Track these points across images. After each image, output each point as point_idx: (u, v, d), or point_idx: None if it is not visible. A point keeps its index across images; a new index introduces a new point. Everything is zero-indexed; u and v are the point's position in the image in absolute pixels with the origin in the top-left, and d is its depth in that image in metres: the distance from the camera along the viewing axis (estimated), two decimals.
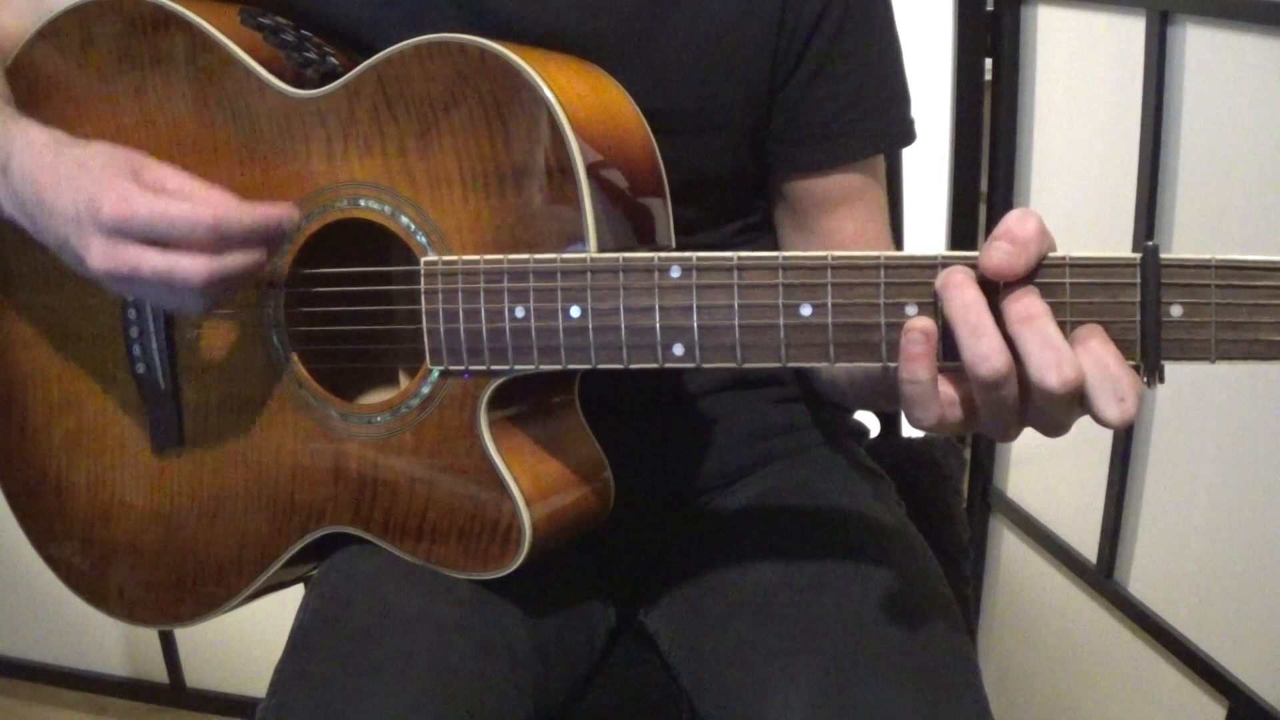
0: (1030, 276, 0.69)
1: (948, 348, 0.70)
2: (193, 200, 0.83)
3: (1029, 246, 0.68)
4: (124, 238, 0.82)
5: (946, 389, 0.71)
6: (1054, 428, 0.71)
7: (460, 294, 0.83)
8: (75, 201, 0.83)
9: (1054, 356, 0.67)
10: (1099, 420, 0.68)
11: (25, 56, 1.00)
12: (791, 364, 0.76)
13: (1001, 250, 0.68)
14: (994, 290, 0.70)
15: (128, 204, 0.81)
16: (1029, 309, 0.68)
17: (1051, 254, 0.69)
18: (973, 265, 0.70)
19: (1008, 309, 0.68)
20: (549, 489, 0.89)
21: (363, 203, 0.89)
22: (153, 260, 0.82)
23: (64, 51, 0.98)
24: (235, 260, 0.83)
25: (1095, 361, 0.67)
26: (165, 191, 0.84)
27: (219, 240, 0.82)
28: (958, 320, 0.68)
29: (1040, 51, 1.64)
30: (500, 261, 0.82)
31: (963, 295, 0.69)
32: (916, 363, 0.70)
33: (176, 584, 1.02)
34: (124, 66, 0.96)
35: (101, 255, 0.82)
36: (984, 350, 0.68)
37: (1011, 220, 0.69)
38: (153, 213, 0.81)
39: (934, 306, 0.71)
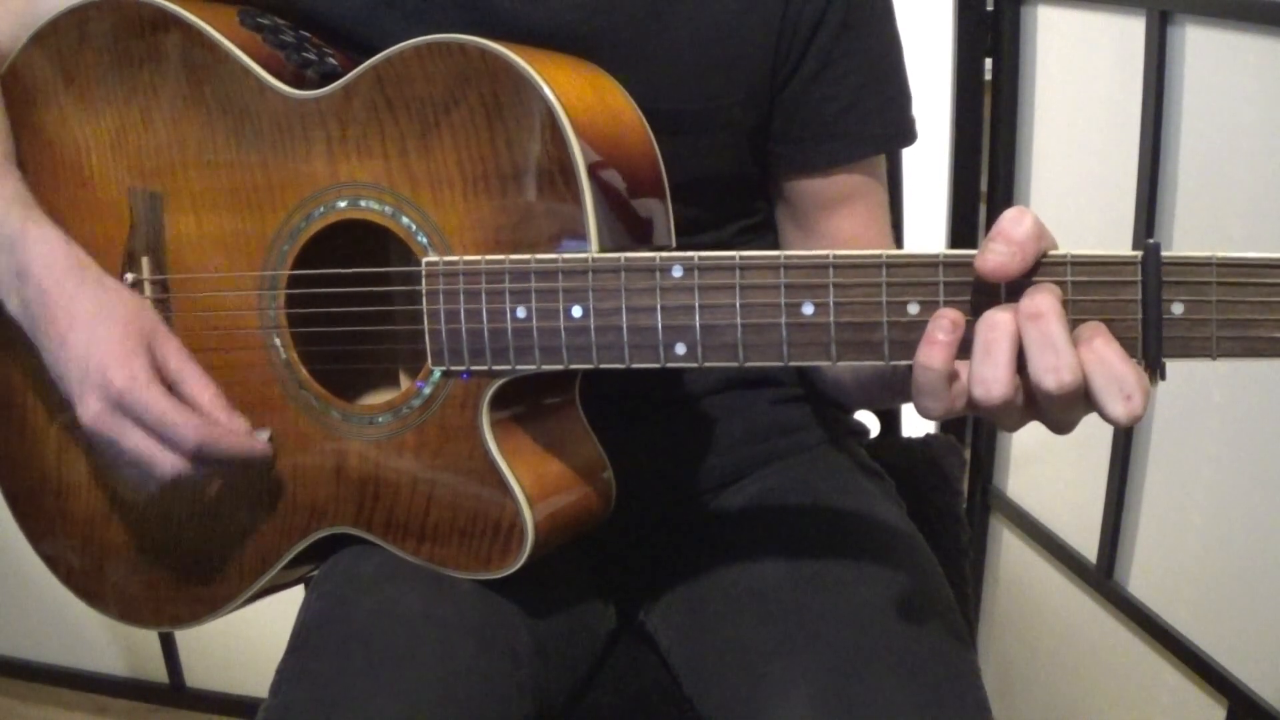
0: (1029, 275, 0.69)
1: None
2: (185, 412, 0.89)
3: (1025, 247, 0.68)
4: (121, 413, 0.88)
5: (959, 380, 0.71)
6: (1060, 425, 0.71)
7: (461, 294, 0.83)
8: (87, 358, 0.89)
9: (1053, 360, 0.67)
10: (1106, 419, 0.68)
11: (23, 60, 1.00)
12: (793, 363, 0.76)
13: (996, 252, 0.68)
14: (996, 289, 0.70)
15: (136, 393, 0.87)
16: (1038, 305, 0.68)
17: (1053, 252, 0.69)
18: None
19: (1021, 302, 0.68)
20: (550, 489, 0.89)
21: (363, 203, 0.89)
22: (138, 442, 0.88)
23: (63, 54, 0.98)
24: (205, 469, 0.90)
25: (1099, 360, 0.67)
26: (167, 372, 0.90)
27: (196, 456, 0.88)
28: (978, 333, 0.69)
29: (1040, 51, 1.64)
30: (501, 262, 0.82)
31: (993, 314, 0.69)
32: (936, 349, 0.70)
33: (177, 585, 1.02)
34: (123, 68, 0.96)
35: (94, 415, 0.88)
36: (987, 372, 0.68)
37: (1006, 221, 0.69)
38: (153, 411, 0.87)
39: (936, 305, 0.71)
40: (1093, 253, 0.69)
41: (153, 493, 1.00)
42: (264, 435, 0.94)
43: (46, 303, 0.91)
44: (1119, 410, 0.67)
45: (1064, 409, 0.69)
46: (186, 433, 0.87)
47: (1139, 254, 0.68)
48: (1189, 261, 0.67)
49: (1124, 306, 0.68)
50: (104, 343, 0.89)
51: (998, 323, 0.68)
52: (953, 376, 0.71)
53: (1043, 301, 0.68)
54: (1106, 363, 0.67)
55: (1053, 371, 0.67)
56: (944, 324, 0.70)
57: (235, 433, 0.90)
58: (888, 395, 1.11)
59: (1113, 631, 1.58)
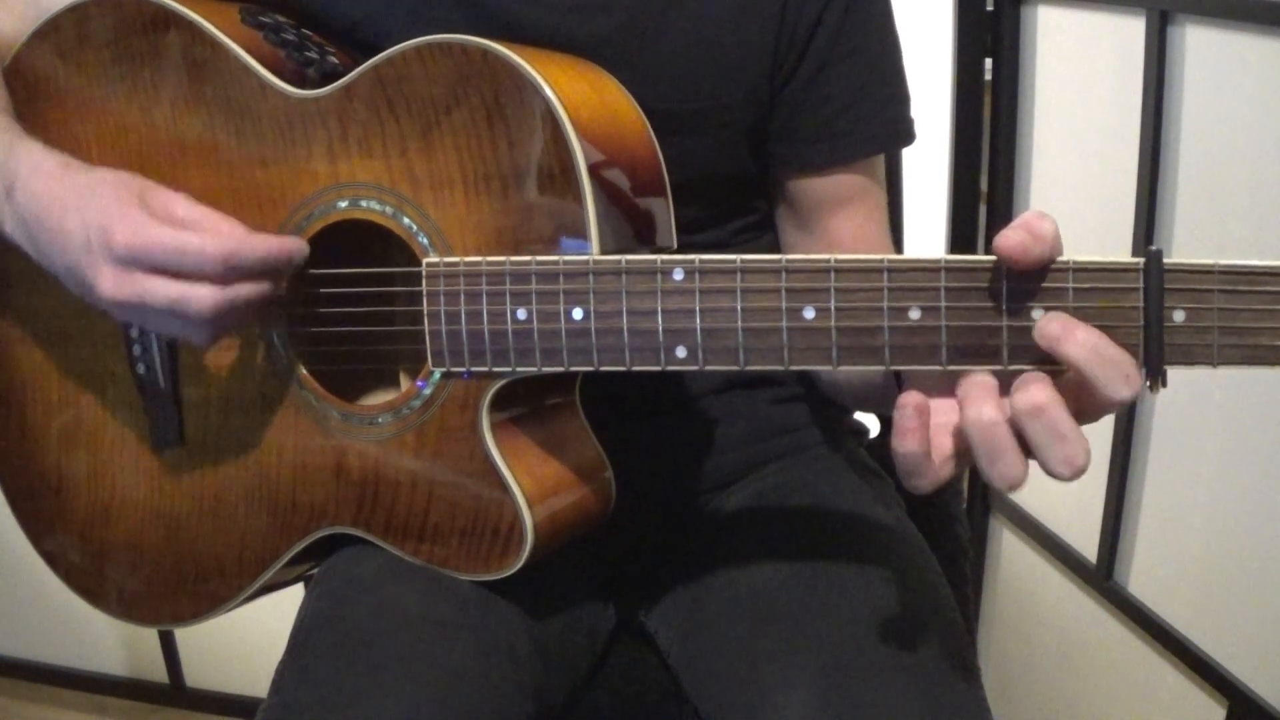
0: (1039, 277, 0.69)
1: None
2: (204, 232, 0.83)
3: (1043, 242, 0.68)
4: (135, 266, 0.82)
5: (938, 450, 0.71)
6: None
7: (462, 295, 0.83)
8: (85, 229, 0.84)
9: (1063, 450, 0.67)
10: (1112, 402, 0.67)
11: (24, 56, 0.99)
12: (794, 367, 0.76)
13: (1018, 235, 0.67)
14: (999, 278, 0.70)
15: (141, 234, 0.82)
16: (1035, 399, 0.67)
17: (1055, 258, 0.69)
18: (977, 268, 0.70)
19: (1015, 398, 0.67)
20: (550, 490, 0.89)
21: (364, 203, 0.89)
22: (164, 289, 0.82)
23: (63, 51, 0.98)
24: (244, 291, 0.84)
25: (1091, 349, 0.67)
26: (175, 220, 0.84)
27: (229, 272, 0.83)
28: (975, 440, 0.68)
29: (1040, 51, 1.64)
30: (502, 263, 0.82)
31: (980, 413, 0.68)
32: (908, 437, 0.70)
33: (176, 584, 1.02)
34: (124, 66, 0.96)
35: (112, 283, 0.83)
36: (1001, 471, 0.68)
37: (1031, 214, 0.69)
38: (165, 243, 0.82)
39: (937, 310, 0.71)
40: (1094, 259, 0.69)
41: (172, 482, 0.99)
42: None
43: (38, 202, 0.87)
44: (1124, 391, 0.67)
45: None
46: (210, 250, 0.82)
47: (1141, 261, 0.68)
48: (1191, 269, 0.67)
49: (1125, 314, 0.68)
50: (98, 210, 0.84)
51: (991, 424, 0.68)
52: (930, 455, 0.71)
53: (1039, 393, 0.67)
54: (1098, 350, 0.67)
55: (1067, 462, 0.67)
56: (909, 413, 0.70)
57: (260, 236, 0.85)
58: (885, 406, 1.11)
59: (1113, 631, 1.58)
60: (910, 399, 0.70)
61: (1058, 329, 0.67)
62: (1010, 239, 0.68)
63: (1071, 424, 0.67)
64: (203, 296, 0.83)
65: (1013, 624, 1.88)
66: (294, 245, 0.87)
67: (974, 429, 0.68)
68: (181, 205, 0.86)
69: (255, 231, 0.86)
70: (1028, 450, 0.68)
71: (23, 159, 0.89)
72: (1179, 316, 0.67)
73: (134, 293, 0.83)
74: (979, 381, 0.69)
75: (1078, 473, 0.67)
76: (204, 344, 0.88)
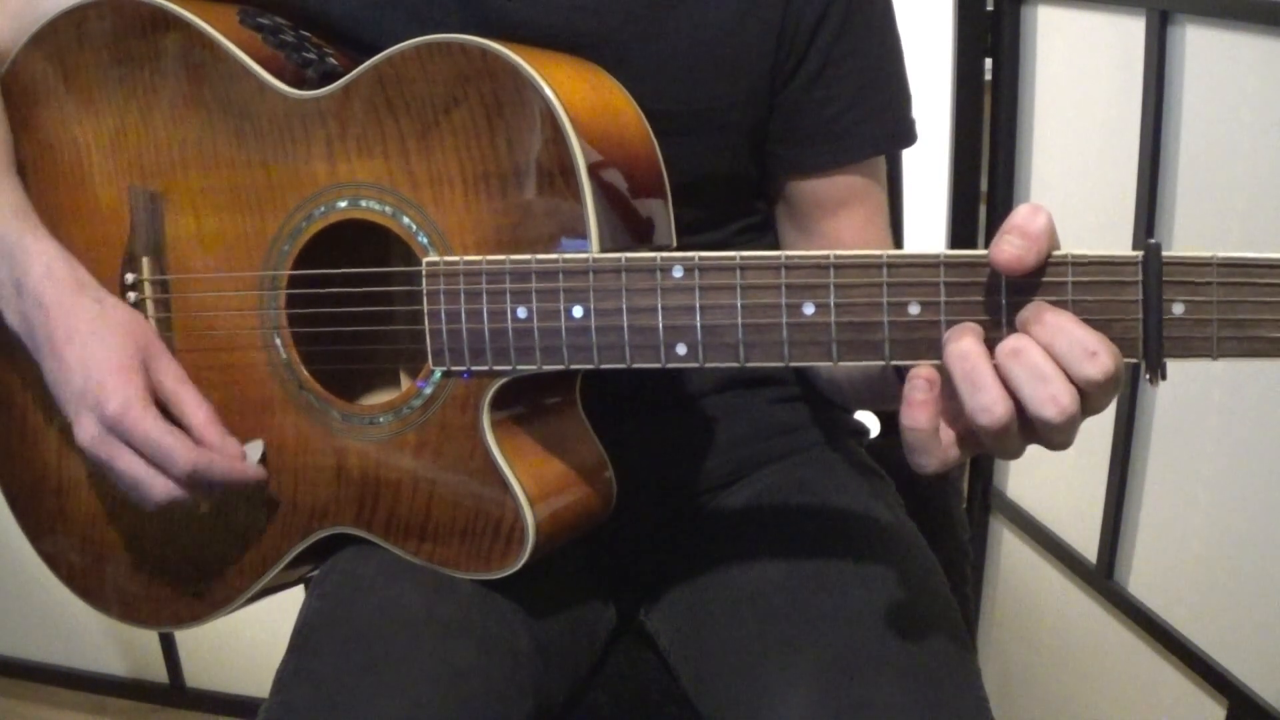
0: (1038, 271, 0.69)
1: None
2: (181, 436, 0.90)
3: (1039, 241, 0.68)
4: (114, 436, 0.89)
5: (946, 432, 0.72)
6: (1057, 445, 0.71)
7: (462, 294, 0.83)
8: (84, 377, 0.90)
9: (1046, 389, 0.67)
10: (1084, 383, 0.67)
11: (22, 60, 0.99)
12: (794, 363, 0.76)
13: (1012, 244, 0.68)
14: (998, 273, 0.70)
15: (128, 417, 0.88)
16: (1013, 343, 0.68)
17: (1054, 252, 0.69)
18: (976, 263, 0.70)
19: (997, 346, 0.68)
20: (551, 489, 0.89)
21: (364, 203, 0.89)
22: (131, 466, 0.90)
23: (62, 54, 0.98)
24: (197, 493, 0.92)
25: (1054, 330, 0.67)
26: (163, 391, 0.92)
27: (190, 481, 0.90)
28: (955, 372, 0.69)
29: (1040, 51, 1.64)
30: (502, 262, 0.82)
31: (959, 345, 0.69)
32: (917, 410, 0.70)
33: (177, 585, 1.02)
34: (122, 68, 0.96)
35: (88, 436, 0.90)
36: (984, 402, 0.68)
37: (1022, 215, 0.68)
38: (146, 435, 0.89)
39: (937, 305, 0.71)
40: (1093, 253, 0.69)
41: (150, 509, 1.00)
42: (256, 454, 0.94)
43: (44, 318, 0.91)
44: (1090, 370, 0.67)
45: (1065, 430, 0.69)
46: (178, 459, 0.89)
47: (1140, 254, 0.68)
48: (1190, 261, 0.67)
49: (1125, 307, 0.68)
50: (99, 362, 0.90)
51: (967, 352, 0.69)
52: (938, 431, 0.71)
53: (1016, 338, 0.68)
54: (1063, 331, 0.67)
55: (1051, 401, 0.67)
56: (919, 384, 0.70)
57: (228, 457, 0.91)
58: (882, 401, 1.11)
59: (1113, 631, 1.58)
60: (922, 371, 0.70)
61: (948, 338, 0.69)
62: (1006, 251, 0.68)
63: (1053, 366, 0.67)
64: (159, 487, 0.90)
65: (1013, 624, 1.88)
66: (252, 473, 0.93)
67: (953, 359, 0.69)
68: (171, 380, 0.92)
69: (225, 443, 0.92)
70: (1016, 401, 0.68)
71: (34, 257, 0.93)
72: (1178, 309, 0.67)
73: (105, 455, 0.90)
74: (963, 324, 0.70)
75: (1063, 413, 0.67)
76: (148, 509, 0.94)
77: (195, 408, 0.92)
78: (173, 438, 0.89)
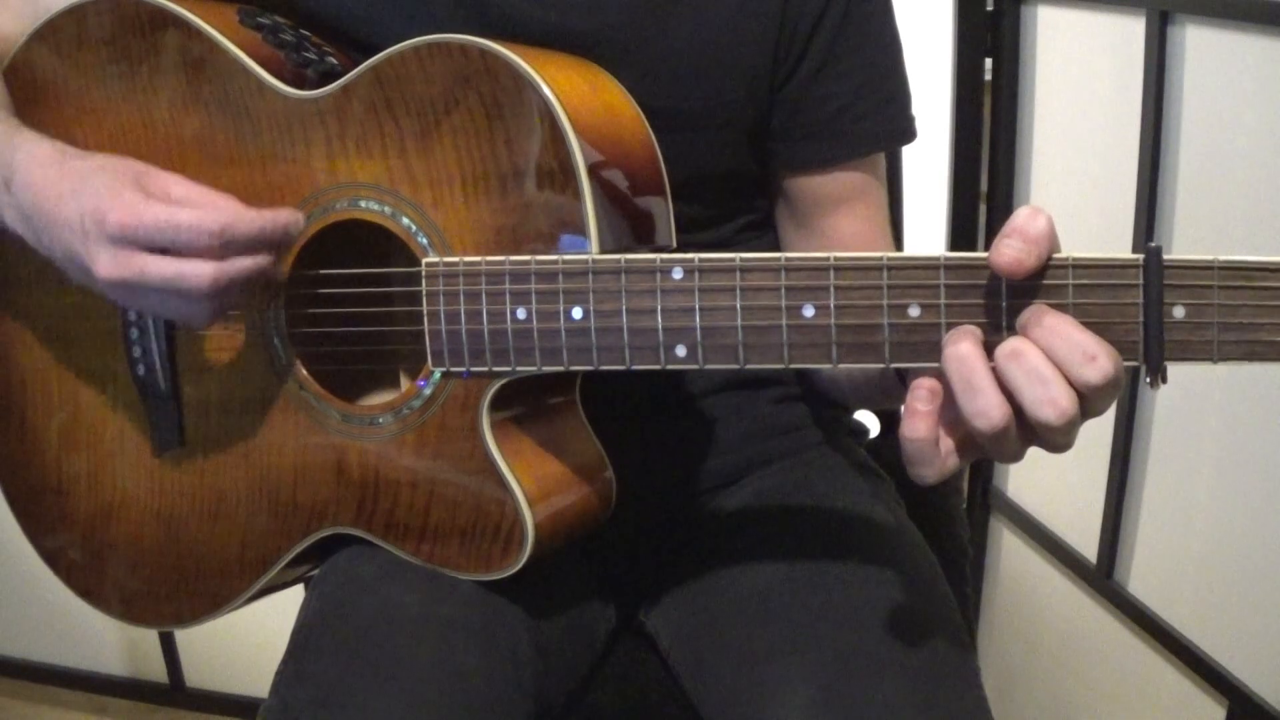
0: (1038, 276, 0.69)
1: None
2: (199, 207, 0.83)
3: (1039, 244, 0.68)
4: (131, 246, 0.82)
5: (945, 441, 0.72)
6: (1057, 446, 0.71)
7: (462, 295, 0.83)
8: (80, 213, 0.83)
9: (1044, 392, 0.67)
10: (1083, 387, 0.67)
11: (23, 58, 0.99)
12: (794, 365, 0.76)
13: (1012, 248, 0.68)
14: (997, 292, 0.70)
15: (134, 213, 0.81)
16: (1011, 344, 0.68)
17: (1055, 255, 0.69)
18: (976, 265, 0.70)
19: (996, 349, 0.68)
20: (551, 490, 0.89)
21: (363, 204, 0.89)
22: (160, 267, 0.82)
23: (62, 52, 0.98)
24: (241, 265, 0.84)
25: (1053, 333, 0.67)
26: (170, 199, 0.84)
27: (225, 246, 0.82)
28: (953, 376, 0.69)
29: (1040, 51, 1.64)
30: (501, 262, 0.82)
31: (957, 348, 0.69)
32: (919, 420, 0.70)
33: (177, 585, 1.02)
34: (122, 67, 0.96)
35: (108, 265, 0.82)
36: (981, 406, 0.68)
37: (1022, 217, 0.68)
38: (159, 220, 0.81)
39: (937, 308, 0.71)
40: (1094, 256, 0.69)
41: (172, 482, 0.99)
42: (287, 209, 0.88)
43: (36, 192, 0.87)
44: (1089, 373, 0.67)
45: (1064, 433, 0.69)
46: (203, 224, 0.81)
47: (1140, 257, 0.68)
48: (1191, 265, 0.67)
49: (1125, 310, 0.68)
50: (91, 195, 0.83)
51: (965, 356, 0.68)
52: (938, 442, 0.71)
53: (1014, 340, 0.68)
54: (1062, 334, 0.67)
55: (1050, 403, 0.67)
56: (922, 394, 0.70)
57: (255, 211, 0.84)
58: (883, 399, 1.11)
59: (1113, 631, 1.58)
60: (925, 381, 0.70)
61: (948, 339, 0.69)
62: (1005, 254, 0.68)
63: (1052, 369, 0.67)
64: (199, 273, 0.82)
65: (1013, 624, 1.88)
66: (288, 217, 0.86)
67: (951, 363, 0.68)
68: (178, 184, 0.85)
69: (247, 207, 0.85)
70: (1015, 404, 0.68)
71: (20, 149, 0.89)
72: (1179, 313, 0.67)
73: (131, 272, 0.82)
74: (962, 327, 0.70)
75: (1062, 415, 0.67)
76: (203, 322, 0.88)
77: (212, 196, 0.85)
78: (188, 212, 0.82)
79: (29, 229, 0.88)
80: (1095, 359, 0.67)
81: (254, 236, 0.84)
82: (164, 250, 0.82)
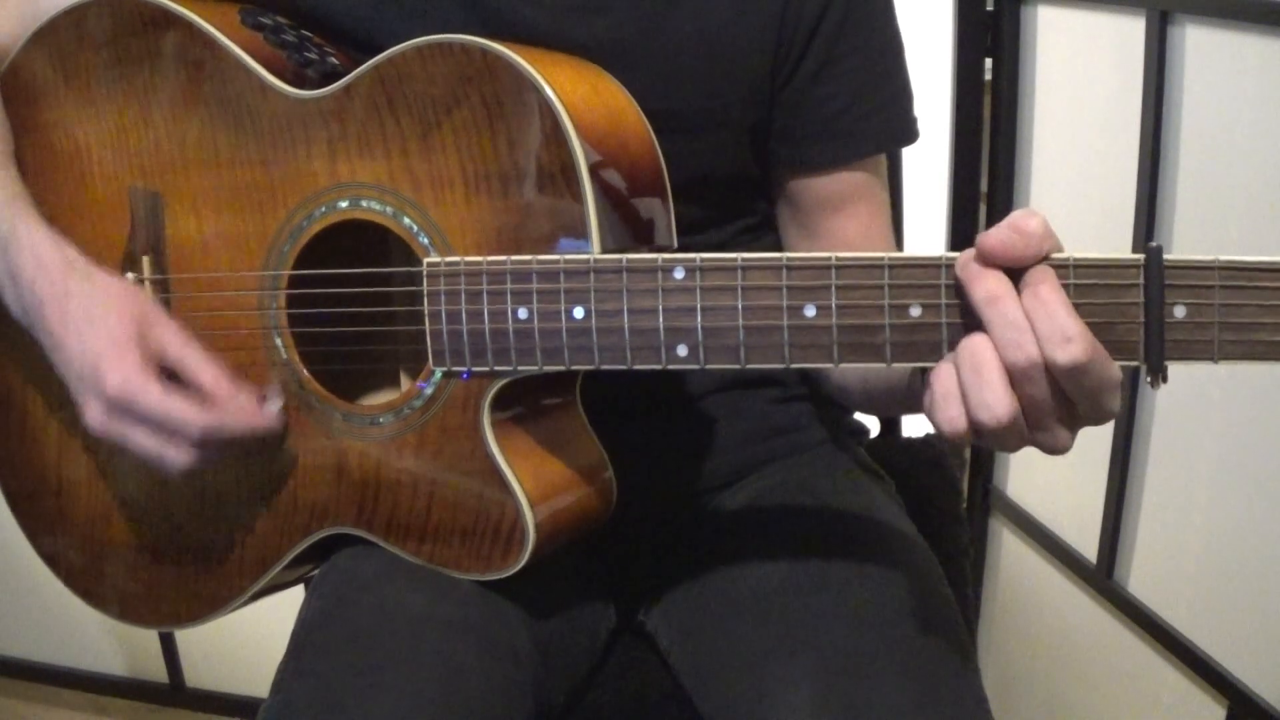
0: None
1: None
2: (189, 397, 0.88)
3: (1029, 238, 0.68)
4: (121, 414, 0.88)
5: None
6: (1055, 443, 0.71)
7: (463, 295, 0.83)
8: (82, 358, 0.88)
9: (1016, 335, 0.68)
10: (1052, 366, 0.68)
11: (22, 59, 0.99)
12: (795, 365, 0.76)
13: (1001, 232, 0.68)
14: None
15: (130, 390, 0.87)
16: (992, 289, 0.68)
17: (1055, 255, 0.69)
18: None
19: (973, 288, 0.69)
20: (552, 490, 0.89)
21: (364, 204, 0.89)
22: (144, 441, 0.88)
23: (62, 53, 0.98)
24: (218, 453, 0.90)
25: (1042, 304, 0.68)
26: (166, 360, 0.89)
27: (206, 442, 0.88)
28: (963, 365, 0.70)
29: (1040, 51, 1.64)
30: (503, 262, 0.82)
31: (970, 339, 0.70)
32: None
33: (177, 585, 1.02)
34: (123, 67, 0.96)
35: (98, 420, 0.88)
36: (987, 398, 0.69)
37: (1017, 213, 0.69)
38: (152, 407, 0.87)
39: (938, 308, 0.71)
40: (1095, 256, 0.69)
41: (172, 482, 0.99)
42: (275, 405, 0.92)
43: (40, 308, 0.91)
44: (1059, 354, 0.67)
45: (1041, 405, 0.69)
46: (190, 423, 0.87)
47: (1141, 257, 0.68)
48: (1191, 265, 0.67)
49: (1126, 310, 0.68)
50: (95, 342, 0.88)
51: (976, 349, 0.69)
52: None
53: (996, 285, 0.68)
54: (1049, 308, 0.67)
55: (1018, 347, 0.67)
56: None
57: (241, 410, 0.89)
58: (897, 407, 1.11)
59: (1113, 631, 1.58)
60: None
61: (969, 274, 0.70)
62: (992, 237, 0.68)
63: (1023, 319, 0.68)
64: (178, 456, 0.88)
65: (1013, 624, 1.88)
66: (267, 421, 0.91)
67: (962, 351, 0.70)
68: (174, 346, 0.90)
69: (235, 396, 0.89)
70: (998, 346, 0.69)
71: (25, 246, 0.92)
72: (1180, 312, 0.68)
73: (117, 434, 0.89)
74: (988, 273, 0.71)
75: (1030, 361, 0.67)
76: (175, 478, 0.94)
77: (201, 367, 0.90)
78: (179, 403, 0.87)
79: (29, 326, 0.93)
80: (1070, 341, 0.67)
81: (233, 438, 0.89)
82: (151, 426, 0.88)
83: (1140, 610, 1.50)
